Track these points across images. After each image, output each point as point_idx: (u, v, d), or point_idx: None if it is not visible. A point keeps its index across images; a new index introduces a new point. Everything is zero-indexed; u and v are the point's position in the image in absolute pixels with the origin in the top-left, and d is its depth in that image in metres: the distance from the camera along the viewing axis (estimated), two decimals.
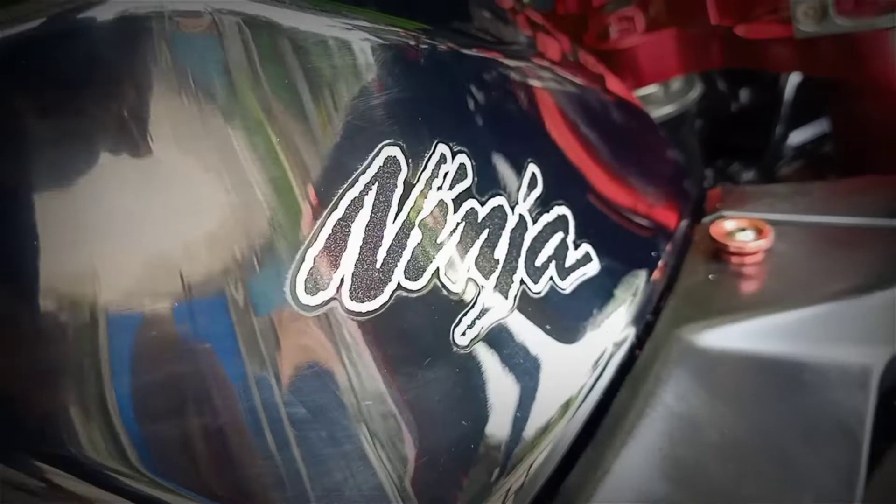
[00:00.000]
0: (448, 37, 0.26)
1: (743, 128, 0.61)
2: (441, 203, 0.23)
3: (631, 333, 0.31)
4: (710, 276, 0.35)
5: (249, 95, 0.20)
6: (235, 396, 0.19)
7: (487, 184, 0.25)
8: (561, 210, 0.28)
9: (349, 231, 0.21)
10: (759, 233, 0.36)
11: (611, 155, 0.35)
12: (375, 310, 0.22)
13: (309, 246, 0.20)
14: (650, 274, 0.33)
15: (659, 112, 0.52)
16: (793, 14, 0.43)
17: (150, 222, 0.19)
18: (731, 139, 0.61)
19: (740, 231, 0.36)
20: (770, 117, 0.60)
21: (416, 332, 0.23)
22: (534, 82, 0.31)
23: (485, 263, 0.25)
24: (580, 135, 0.33)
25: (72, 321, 0.18)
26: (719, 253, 0.36)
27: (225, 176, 0.19)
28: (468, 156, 0.25)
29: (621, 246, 0.32)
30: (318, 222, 0.20)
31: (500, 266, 0.25)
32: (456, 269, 0.24)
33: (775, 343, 0.33)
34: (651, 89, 0.52)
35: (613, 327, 0.30)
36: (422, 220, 0.23)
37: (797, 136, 0.62)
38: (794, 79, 0.57)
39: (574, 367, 0.28)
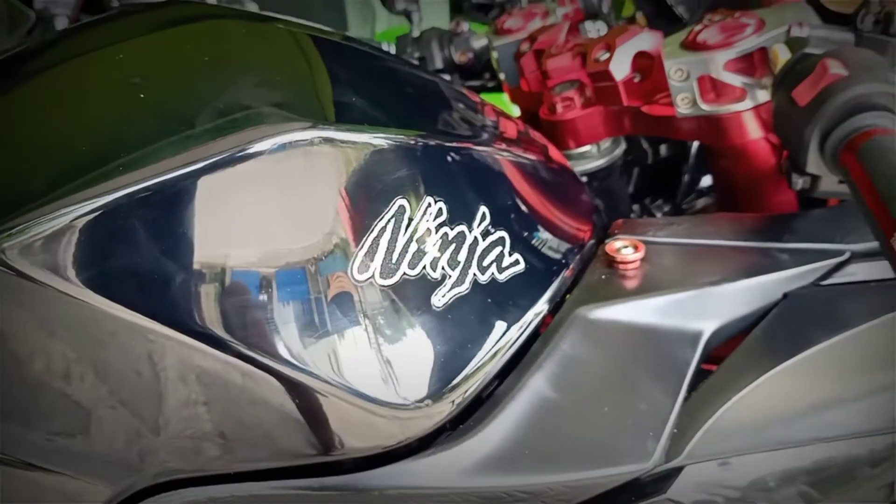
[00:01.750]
0: (435, 136, 0.46)
1: (662, 174, 0.81)
2: (427, 230, 0.43)
3: (546, 308, 0.51)
4: (602, 276, 0.55)
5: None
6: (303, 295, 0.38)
7: (455, 218, 0.45)
8: (501, 233, 0.48)
9: (378, 244, 0.41)
10: (636, 249, 0.56)
11: (543, 198, 0.55)
12: (391, 285, 0.42)
13: (360, 251, 0.40)
14: (562, 273, 0.53)
15: (593, 164, 0.72)
16: (674, 101, 0.63)
17: (273, 231, 0.38)
18: (653, 183, 0.81)
19: (624, 247, 0.56)
20: (681, 166, 0.80)
21: (411, 297, 0.42)
22: (493, 159, 0.51)
23: (452, 263, 0.44)
24: (523, 187, 0.53)
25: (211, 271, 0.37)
26: (610, 262, 0.56)
27: (318, 218, 0.39)
28: (444, 202, 0.44)
29: (543, 256, 0.52)
30: (363, 239, 0.40)
31: (461, 265, 0.45)
32: (435, 265, 0.43)
33: (640, 316, 0.52)
34: (587, 148, 0.72)
35: (535, 304, 0.50)
36: (417, 238, 0.43)
37: (707, 180, 0.82)
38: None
39: (507, 325, 0.48)
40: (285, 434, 0.40)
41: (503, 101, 0.87)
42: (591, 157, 0.72)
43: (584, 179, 0.72)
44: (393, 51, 0.99)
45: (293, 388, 0.39)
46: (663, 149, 0.80)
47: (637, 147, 0.79)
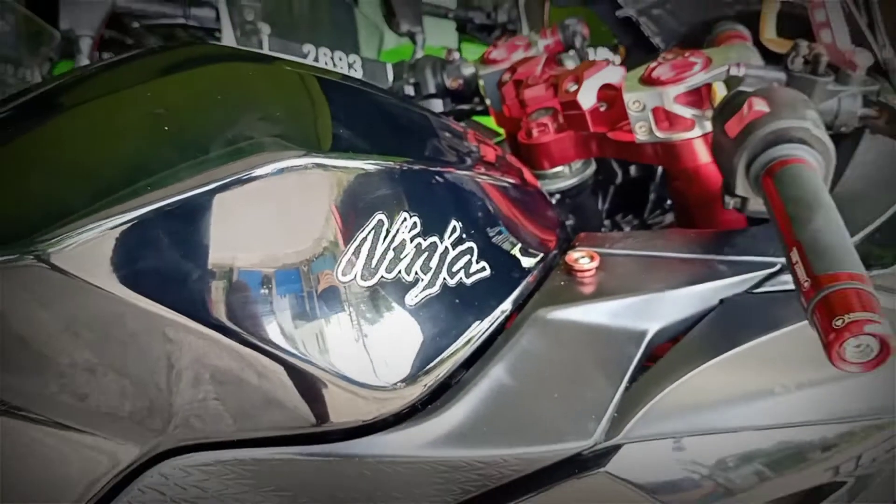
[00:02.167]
0: (419, 162, 0.54)
1: (631, 192, 0.89)
2: (403, 240, 0.51)
3: (510, 308, 0.59)
4: (561, 283, 0.63)
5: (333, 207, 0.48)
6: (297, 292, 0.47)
7: (429, 230, 0.53)
8: (470, 244, 0.56)
9: (360, 251, 0.49)
10: (592, 259, 0.64)
11: (511, 215, 0.63)
12: (370, 286, 0.50)
13: (344, 256, 0.48)
14: (526, 279, 0.61)
15: (565, 183, 0.80)
16: (633, 128, 0.71)
17: (272, 239, 0.47)
18: (623, 200, 0.89)
19: (582, 258, 0.64)
20: (648, 186, 0.88)
21: (388, 297, 0.51)
22: (467, 180, 0.59)
23: (425, 268, 0.53)
24: (493, 205, 0.61)
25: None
26: (569, 270, 0.63)
27: (310, 228, 0.47)
28: (419, 217, 0.53)
29: (508, 264, 0.60)
30: (347, 247, 0.49)
31: (432, 270, 0.53)
32: (409, 270, 0.52)
33: (592, 317, 0.60)
34: (560, 168, 0.80)
35: (500, 305, 0.58)
36: (394, 246, 0.51)
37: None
38: None
39: (473, 322, 0.56)
40: (281, 408, 0.48)
41: (491, 123, 0.95)
42: (563, 177, 0.80)
43: (558, 197, 0.80)
44: (391, 73, 1.07)
45: (288, 369, 0.47)
46: (633, 170, 0.88)
47: (608, 168, 0.87)
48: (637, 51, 1.03)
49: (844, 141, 0.73)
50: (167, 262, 0.43)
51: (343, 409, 0.50)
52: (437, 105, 0.97)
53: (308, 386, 0.48)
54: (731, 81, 0.65)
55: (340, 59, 1.60)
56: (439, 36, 2.53)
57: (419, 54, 1.77)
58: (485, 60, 0.91)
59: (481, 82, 0.90)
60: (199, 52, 0.58)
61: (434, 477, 0.51)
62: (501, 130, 0.93)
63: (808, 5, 0.67)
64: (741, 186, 0.58)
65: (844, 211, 0.57)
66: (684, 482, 0.58)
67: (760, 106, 0.57)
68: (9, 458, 0.45)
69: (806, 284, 0.46)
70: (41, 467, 0.46)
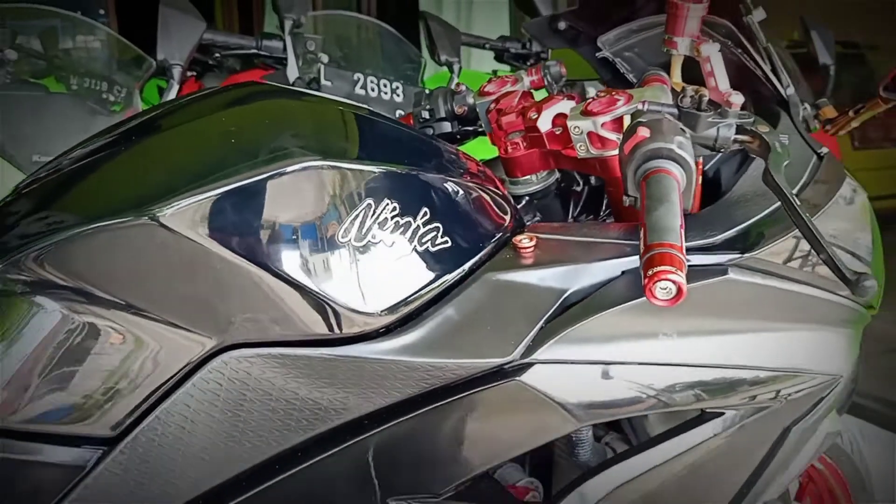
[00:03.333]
0: (402, 167, 0.80)
1: (589, 196, 1.13)
2: (385, 218, 0.77)
3: (465, 271, 0.84)
4: (507, 256, 0.87)
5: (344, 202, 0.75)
6: (314, 247, 0.73)
7: (405, 213, 0.79)
8: (437, 223, 0.82)
9: (355, 223, 0.76)
10: (531, 240, 0.88)
11: (473, 207, 0.88)
12: (361, 245, 0.76)
13: (343, 225, 0.74)
14: (480, 252, 0.86)
15: (533, 188, 1.05)
16: (576, 147, 0.96)
17: (299, 212, 0.73)
18: (584, 202, 1.14)
19: (524, 239, 0.88)
20: (602, 191, 1.12)
21: (374, 254, 0.76)
22: (441, 179, 0.85)
23: (401, 238, 0.78)
24: (458, 198, 0.86)
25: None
26: (514, 247, 0.88)
27: (322, 205, 0.74)
28: (398, 203, 0.78)
29: (466, 240, 0.85)
30: (346, 219, 0.75)
31: (407, 239, 0.79)
32: (390, 239, 0.78)
33: (525, 279, 0.84)
34: (529, 177, 1.04)
35: (458, 268, 0.83)
36: (378, 222, 0.77)
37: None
38: None
39: (437, 276, 0.81)
40: (305, 322, 0.74)
41: (486, 142, 1.20)
42: (531, 183, 1.05)
43: (527, 199, 1.05)
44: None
45: (313, 299, 0.73)
46: (593, 179, 1.13)
47: (572, 178, 1.11)
48: (616, 83, 1.27)
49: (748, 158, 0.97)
50: (233, 222, 0.71)
51: (345, 325, 0.76)
52: (447, 126, 1.22)
53: (323, 309, 0.75)
54: (634, 114, 0.89)
55: (385, 85, 1.89)
56: (478, 63, 2.81)
57: (455, 80, 2.05)
58: (481, 93, 1.17)
59: (478, 110, 1.16)
60: (258, 90, 0.86)
61: (398, 374, 0.77)
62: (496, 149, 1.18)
63: (700, 60, 0.91)
64: (632, 188, 0.82)
65: (734, 208, 0.81)
66: (581, 397, 0.82)
67: (644, 132, 0.81)
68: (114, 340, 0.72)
69: (642, 249, 0.71)
70: (140, 350, 0.73)
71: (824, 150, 1.00)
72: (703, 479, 0.92)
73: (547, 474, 1.04)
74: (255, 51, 1.94)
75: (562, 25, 1.28)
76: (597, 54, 1.27)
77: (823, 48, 2.76)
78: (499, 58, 2.40)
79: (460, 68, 2.03)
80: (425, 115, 1.24)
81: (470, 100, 1.21)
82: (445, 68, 2.06)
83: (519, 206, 1.03)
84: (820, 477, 1.45)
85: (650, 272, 0.68)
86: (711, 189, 1.04)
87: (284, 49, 1.88)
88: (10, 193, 0.83)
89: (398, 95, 1.84)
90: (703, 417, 0.89)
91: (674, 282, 0.67)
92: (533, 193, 1.05)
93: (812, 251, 0.83)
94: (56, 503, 0.71)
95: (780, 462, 0.97)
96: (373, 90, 1.85)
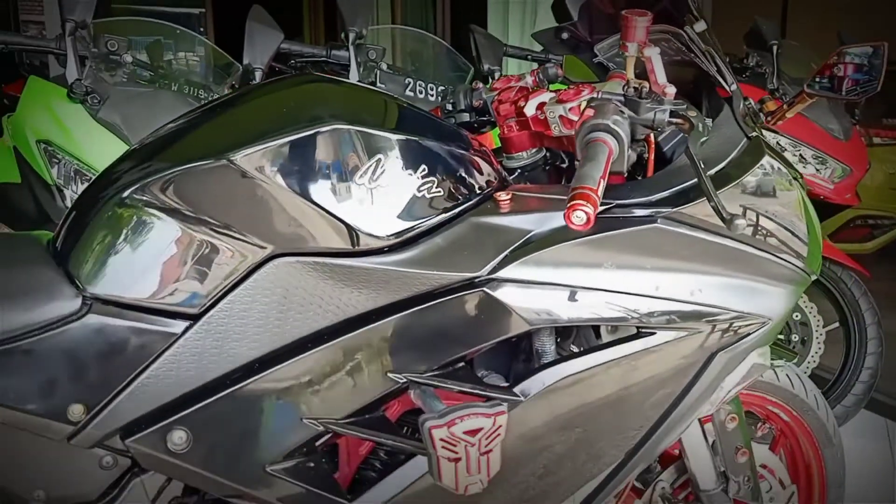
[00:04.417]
0: (408, 135, 1.10)
1: (572, 170, 1.41)
2: (392, 170, 1.07)
3: (454, 214, 1.12)
4: (488, 206, 1.15)
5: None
6: (342, 185, 1.04)
7: (407, 167, 1.08)
8: (432, 178, 1.11)
9: (368, 171, 1.06)
10: (508, 195, 1.16)
11: (464, 169, 1.17)
12: (374, 187, 1.06)
13: (360, 170, 1.05)
14: (468, 202, 1.14)
15: (524, 163, 1.33)
16: (551, 126, 1.24)
17: (332, 158, 1.04)
18: (567, 175, 1.41)
19: (505, 195, 1.16)
20: None
21: (385, 195, 1.06)
22: (439, 146, 1.14)
23: (403, 185, 1.08)
24: (453, 162, 1.15)
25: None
26: (494, 201, 1.16)
27: (348, 157, 1.05)
28: (402, 160, 1.08)
29: (458, 192, 1.14)
30: (363, 167, 1.05)
31: (406, 187, 1.08)
32: (395, 185, 1.07)
33: (498, 222, 1.12)
34: (521, 153, 1.33)
35: (449, 211, 1.12)
36: (384, 171, 1.07)
37: None
38: None
39: (432, 215, 1.10)
40: (333, 238, 1.04)
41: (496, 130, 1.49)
42: (522, 159, 1.33)
43: (519, 171, 1.33)
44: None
45: (336, 221, 1.04)
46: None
47: (558, 155, 1.39)
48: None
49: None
50: (283, 165, 1.02)
51: (361, 243, 1.06)
52: (465, 117, 1.52)
53: (346, 231, 1.04)
54: (590, 101, 1.16)
55: (431, 88, 2.20)
56: (518, 69, 3.11)
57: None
58: (491, 88, 1.46)
59: (487, 102, 1.45)
60: (312, 78, 1.18)
61: (397, 280, 1.06)
62: None
63: (645, 60, 1.18)
64: (579, 154, 1.10)
65: (672, 175, 1.09)
66: (532, 306, 1.09)
67: (589, 112, 1.09)
68: (200, 245, 1.04)
69: (570, 192, 0.98)
70: (217, 253, 1.04)
71: (753, 133, 1.25)
72: (635, 391, 1.17)
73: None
74: (324, 59, 2.28)
75: (565, 35, 1.56)
76: (594, 59, 1.55)
77: None
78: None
79: (501, 75, 2.33)
80: (449, 107, 1.54)
81: (484, 95, 1.51)
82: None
83: (512, 177, 1.32)
84: (789, 429, 1.65)
85: (570, 204, 0.95)
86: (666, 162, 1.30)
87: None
88: (127, 150, 1.17)
89: (440, 97, 2.16)
90: (638, 335, 1.15)
91: (584, 212, 0.95)
92: (524, 167, 1.33)
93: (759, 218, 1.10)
94: (157, 356, 1.03)
95: (706, 385, 1.22)
96: (420, 92, 2.17)
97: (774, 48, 2.55)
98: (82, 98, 1.88)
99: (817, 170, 2.64)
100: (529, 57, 2.62)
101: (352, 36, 2.13)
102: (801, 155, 2.63)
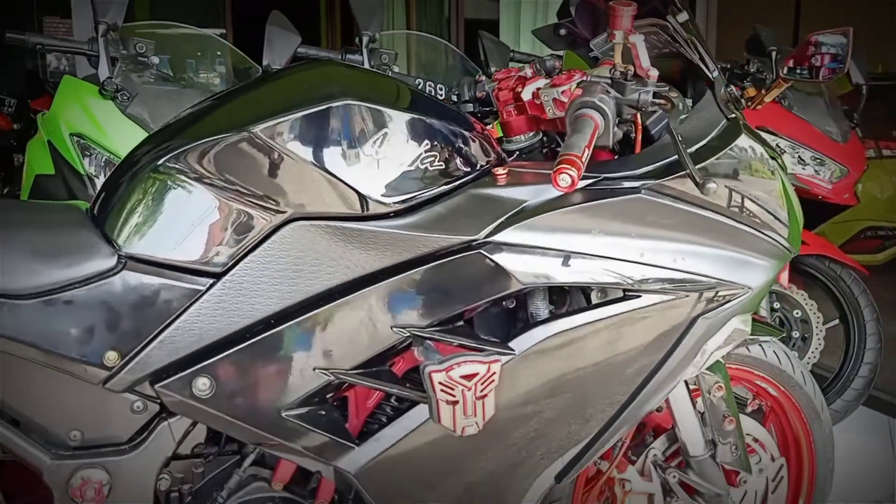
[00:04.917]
0: (414, 114, 1.21)
1: None
2: (398, 142, 1.18)
3: (455, 185, 1.23)
4: (486, 180, 1.26)
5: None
6: (353, 154, 1.15)
7: (412, 141, 1.19)
8: (434, 152, 1.21)
9: (376, 142, 1.17)
10: (504, 170, 1.27)
11: (465, 146, 1.28)
12: (381, 157, 1.17)
13: (368, 142, 1.16)
14: (467, 176, 1.25)
15: (522, 145, 1.43)
16: (545, 109, 1.34)
17: (344, 129, 1.15)
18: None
19: (502, 170, 1.27)
20: None
21: (391, 164, 1.17)
22: (441, 125, 1.25)
23: (409, 157, 1.19)
24: (454, 139, 1.26)
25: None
26: (492, 175, 1.26)
27: (359, 129, 1.16)
28: (408, 135, 1.19)
29: (456, 167, 1.24)
30: (371, 139, 1.16)
31: (411, 159, 1.19)
32: (401, 157, 1.18)
33: (496, 193, 1.23)
34: (519, 136, 1.43)
35: (451, 183, 1.23)
36: (390, 143, 1.18)
37: None
38: None
39: (432, 186, 1.21)
40: (344, 204, 1.15)
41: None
42: (520, 142, 1.43)
43: (517, 153, 1.44)
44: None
45: (346, 187, 1.15)
46: None
47: (553, 138, 1.50)
48: None
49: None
50: (300, 136, 1.13)
51: (370, 208, 1.16)
52: (469, 107, 1.63)
53: (356, 196, 1.15)
54: (579, 83, 1.27)
55: (441, 88, 2.32)
56: None
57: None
58: (493, 79, 1.57)
59: (489, 91, 1.56)
60: (325, 64, 1.30)
61: (402, 242, 1.16)
62: None
63: (630, 46, 1.29)
64: (569, 130, 1.20)
65: (658, 151, 1.19)
66: (525, 268, 1.19)
67: (578, 91, 1.20)
68: (223, 208, 1.15)
69: (558, 159, 1.08)
70: (238, 216, 1.15)
71: (732, 115, 1.36)
72: (621, 353, 1.27)
73: None
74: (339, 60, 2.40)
75: (563, 32, 1.67)
76: (590, 54, 1.65)
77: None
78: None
79: None
80: (454, 98, 1.65)
81: (487, 87, 1.62)
82: None
83: (511, 159, 1.43)
84: (778, 405, 1.74)
85: (556, 168, 1.06)
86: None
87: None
88: (155, 130, 1.29)
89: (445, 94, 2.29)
90: (624, 297, 1.25)
91: (569, 175, 1.05)
92: (521, 149, 1.44)
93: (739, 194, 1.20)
94: (184, 310, 1.14)
95: (688, 347, 1.31)
96: (429, 91, 2.29)
97: (773, 54, 2.65)
98: (113, 95, 2.01)
99: (816, 170, 2.73)
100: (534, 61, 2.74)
101: (365, 39, 2.25)
102: (800, 156, 2.71)
